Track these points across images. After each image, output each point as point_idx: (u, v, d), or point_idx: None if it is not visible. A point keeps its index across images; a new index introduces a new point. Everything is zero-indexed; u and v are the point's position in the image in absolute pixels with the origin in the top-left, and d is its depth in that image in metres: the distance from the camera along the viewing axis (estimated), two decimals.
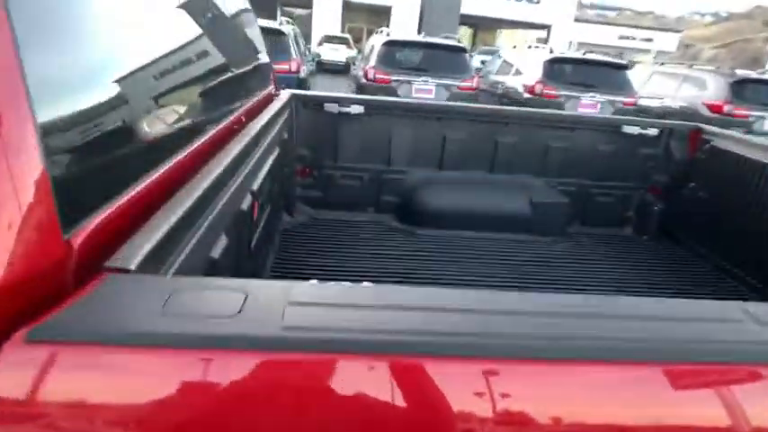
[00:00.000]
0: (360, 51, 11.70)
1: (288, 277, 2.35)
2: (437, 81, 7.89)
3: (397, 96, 7.90)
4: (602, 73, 8.40)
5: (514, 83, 8.92)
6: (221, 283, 0.79)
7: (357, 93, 8.56)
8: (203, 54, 1.68)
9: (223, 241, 1.30)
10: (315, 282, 0.94)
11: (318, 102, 2.93)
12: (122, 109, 1.02)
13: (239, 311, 0.67)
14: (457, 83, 7.97)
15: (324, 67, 17.92)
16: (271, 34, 7.92)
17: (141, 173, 1.06)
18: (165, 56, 1.35)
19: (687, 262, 2.89)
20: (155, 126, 1.19)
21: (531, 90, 8.27)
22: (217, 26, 1.96)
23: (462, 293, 0.86)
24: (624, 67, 8.61)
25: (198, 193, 1.13)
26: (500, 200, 3.04)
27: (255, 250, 1.92)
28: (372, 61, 8.11)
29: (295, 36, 8.94)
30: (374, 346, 0.65)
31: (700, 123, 3.13)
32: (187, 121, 1.41)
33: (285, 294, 0.73)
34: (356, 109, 2.93)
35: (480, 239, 2.91)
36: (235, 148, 1.56)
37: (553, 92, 8.11)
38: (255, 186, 1.74)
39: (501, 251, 2.82)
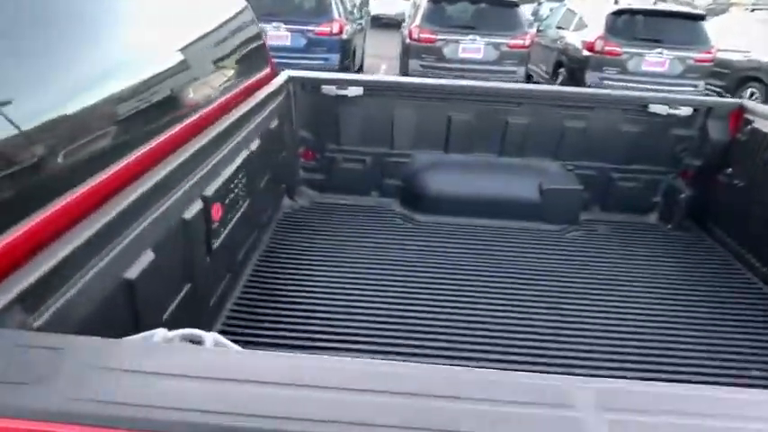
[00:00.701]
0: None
1: (276, 266, 2.38)
2: (486, 39, 7.46)
3: (444, 57, 7.57)
4: (675, 25, 7.55)
5: (574, 38, 8.23)
6: (43, 340, 0.79)
7: (403, 53, 8.26)
8: (141, 45, 1.64)
9: (147, 258, 1.32)
10: (159, 332, 0.93)
11: (316, 84, 2.85)
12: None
13: (46, 376, 0.68)
14: (507, 41, 7.50)
15: (380, 22, 17.43)
16: None
17: (52, 193, 1.08)
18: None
19: (714, 256, 2.62)
20: (59, 142, 1.19)
21: (590, 47, 7.61)
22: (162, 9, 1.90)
23: (358, 365, 0.77)
24: (700, 18, 7.68)
25: (108, 218, 1.14)
26: (508, 185, 2.87)
27: (224, 249, 1.94)
28: (418, 20, 7.76)
29: None
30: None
31: (744, 100, 2.75)
32: (118, 134, 1.41)
33: (104, 356, 0.73)
34: (354, 91, 2.83)
35: (486, 227, 2.79)
36: (182, 155, 1.55)
37: (616, 48, 7.41)
38: (211, 190, 1.74)
39: (507, 240, 2.69)
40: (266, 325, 2.01)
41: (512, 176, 2.91)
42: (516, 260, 2.50)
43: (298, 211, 2.93)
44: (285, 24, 7.35)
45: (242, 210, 2.13)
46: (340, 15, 7.73)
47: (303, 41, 7.47)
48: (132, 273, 1.25)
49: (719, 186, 2.73)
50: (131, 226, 1.25)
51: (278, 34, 7.41)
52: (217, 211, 1.85)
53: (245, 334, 1.96)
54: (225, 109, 2.10)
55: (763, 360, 1.92)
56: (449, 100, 2.88)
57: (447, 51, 7.53)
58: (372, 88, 2.87)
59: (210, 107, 2.02)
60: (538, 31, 9.60)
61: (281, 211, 2.86)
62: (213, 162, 1.80)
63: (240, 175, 2.06)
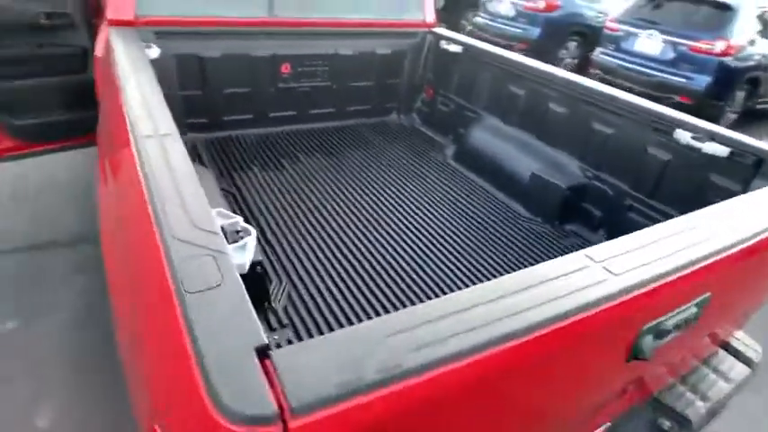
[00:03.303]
0: None
1: (329, 143, 3.42)
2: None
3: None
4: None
5: None
6: None
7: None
8: None
9: (215, 53, 2.92)
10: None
11: (438, 39, 3.56)
12: None
13: None
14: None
15: None
16: None
17: None
18: None
19: None
20: None
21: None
22: None
23: None
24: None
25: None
26: (515, 162, 2.97)
27: (291, 94, 3.30)
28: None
29: None
30: None
31: None
32: None
33: None
34: (455, 48, 3.42)
35: (488, 193, 3.04)
36: (273, 29, 3.00)
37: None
38: (279, 53, 3.11)
39: (494, 207, 2.87)
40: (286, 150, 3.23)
41: (524, 156, 2.96)
42: (468, 228, 2.67)
43: (391, 126, 3.81)
44: (663, 34, 7.27)
45: (315, 84, 3.37)
46: (741, 33, 6.97)
47: (671, 55, 7.20)
48: (206, 54, 2.92)
49: None
50: (216, 40, 2.94)
51: (649, 42, 7.39)
52: (286, 68, 3.20)
53: (276, 150, 3.18)
54: (339, 24, 3.22)
55: None
56: (512, 75, 3.07)
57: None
58: (468, 49, 3.36)
59: (328, 17, 3.18)
60: None
61: (381, 119, 3.82)
62: (297, 44, 3.17)
63: (319, 62, 3.29)
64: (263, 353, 0.73)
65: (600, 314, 0.95)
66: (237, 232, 1.10)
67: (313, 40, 3.22)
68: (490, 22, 9.40)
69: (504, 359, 0.84)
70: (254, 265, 1.67)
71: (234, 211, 2.48)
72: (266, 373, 0.70)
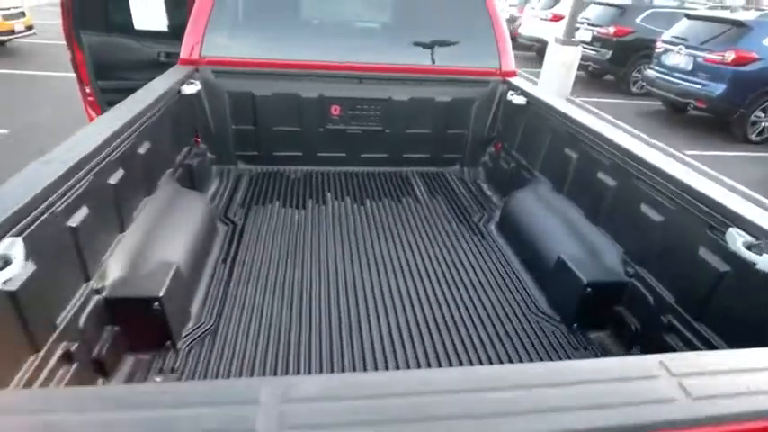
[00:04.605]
0: None
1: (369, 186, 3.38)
2: None
3: None
4: None
5: None
6: None
7: None
8: None
9: (268, 91, 3.19)
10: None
11: (507, 88, 3.37)
12: None
13: None
14: None
15: None
16: None
17: None
18: None
19: None
20: None
21: None
22: None
23: None
24: None
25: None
26: (553, 242, 2.45)
27: (337, 135, 3.36)
28: None
29: None
30: None
31: None
32: None
33: None
34: (518, 100, 3.17)
35: (509, 271, 2.60)
36: (312, 72, 3.19)
37: None
38: (328, 95, 3.22)
39: (500, 294, 2.41)
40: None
41: (561, 234, 2.47)
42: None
43: (450, 178, 3.59)
44: None
45: (367, 129, 3.33)
46: None
47: None
48: (259, 92, 3.02)
49: None
50: (269, 80, 3.13)
51: None
52: (335, 110, 3.26)
53: (309, 189, 3.17)
54: (415, 70, 3.27)
55: None
56: (567, 134, 2.65)
57: None
58: (531, 101, 3.08)
59: (407, 64, 3.27)
60: None
61: (441, 169, 3.67)
62: (341, 85, 3.18)
63: (366, 106, 3.26)
64: None
65: None
66: None
67: (357, 85, 3.19)
68: (662, 76, 8.28)
69: None
70: (152, 300, 1.66)
71: (224, 243, 2.54)
72: None
